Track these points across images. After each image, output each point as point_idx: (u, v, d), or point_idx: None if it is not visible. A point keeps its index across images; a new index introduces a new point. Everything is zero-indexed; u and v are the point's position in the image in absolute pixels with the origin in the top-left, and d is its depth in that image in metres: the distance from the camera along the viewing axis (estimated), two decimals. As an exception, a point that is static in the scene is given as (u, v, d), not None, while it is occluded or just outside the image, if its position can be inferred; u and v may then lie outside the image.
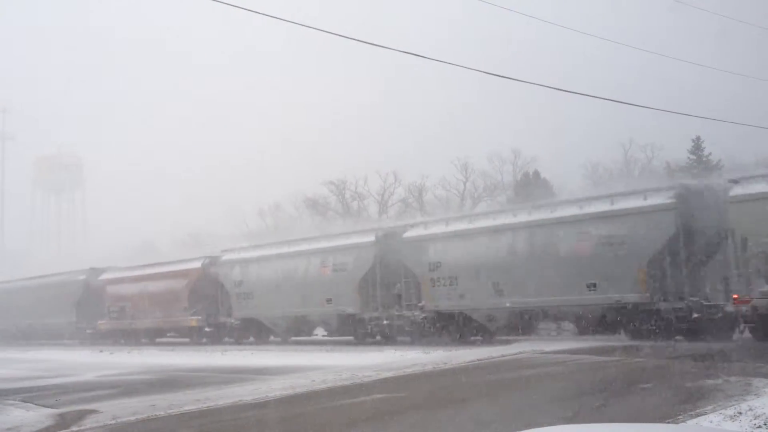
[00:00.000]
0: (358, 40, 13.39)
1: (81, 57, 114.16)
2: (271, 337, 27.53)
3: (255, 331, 27.59)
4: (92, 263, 36.29)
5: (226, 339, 28.16)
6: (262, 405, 10.93)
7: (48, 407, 12.21)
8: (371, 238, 23.12)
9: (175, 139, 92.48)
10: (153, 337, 31.70)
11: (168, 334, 31.56)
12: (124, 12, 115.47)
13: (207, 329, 28.32)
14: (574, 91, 17.10)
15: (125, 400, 12.52)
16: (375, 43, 13.89)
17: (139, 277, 31.01)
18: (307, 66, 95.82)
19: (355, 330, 23.62)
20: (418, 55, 14.82)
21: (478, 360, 15.66)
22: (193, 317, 28.48)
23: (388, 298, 22.77)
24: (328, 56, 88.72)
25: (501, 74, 16.24)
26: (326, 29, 13.68)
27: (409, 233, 22.45)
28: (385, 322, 22.47)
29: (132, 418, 10.27)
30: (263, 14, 12.31)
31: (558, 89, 18.06)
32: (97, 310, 32.78)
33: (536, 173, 46.49)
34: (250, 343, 26.94)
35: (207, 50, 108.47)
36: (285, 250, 26.01)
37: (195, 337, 29.06)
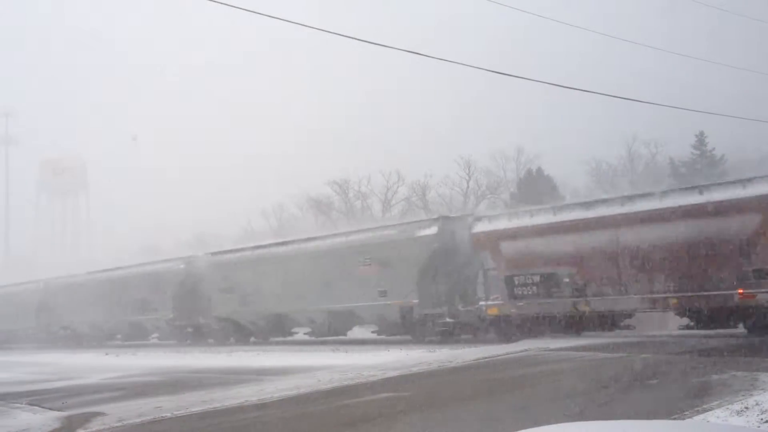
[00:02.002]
0: (362, 40, 13.40)
1: (84, 60, 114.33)
2: None
3: None
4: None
5: None
6: (268, 405, 10.93)
7: (54, 410, 12.22)
8: None
9: (178, 140, 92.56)
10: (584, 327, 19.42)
11: (622, 323, 18.86)
12: (126, 14, 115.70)
13: None
14: (578, 87, 17.05)
15: (131, 402, 12.53)
16: (378, 42, 13.90)
17: (598, 222, 18.26)
18: (309, 66, 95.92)
19: None
20: (421, 54, 14.83)
21: (483, 358, 15.66)
22: None
23: None
24: (331, 56, 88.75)
25: (504, 72, 16.21)
26: (330, 30, 13.69)
27: None
28: None
29: (138, 420, 10.27)
30: (268, 16, 12.31)
31: (561, 86, 18.02)
32: (451, 285, 21.51)
33: (540, 170, 46.46)
34: None
35: (211, 51, 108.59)
36: None
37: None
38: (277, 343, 26.42)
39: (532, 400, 10.04)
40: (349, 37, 13.48)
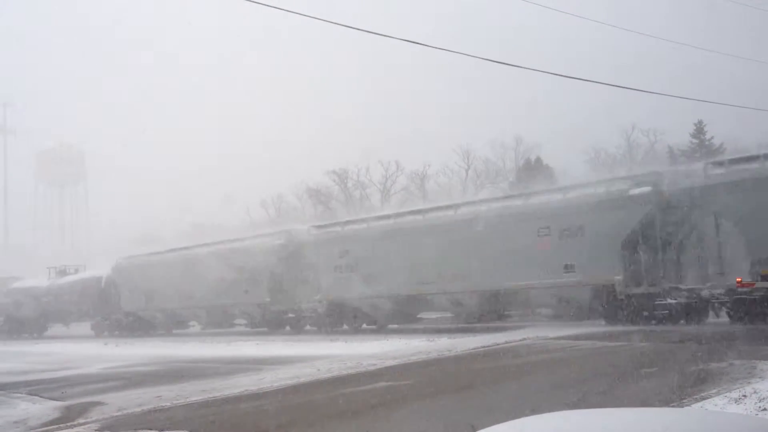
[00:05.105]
0: (361, 29, 13.35)
1: (82, 51, 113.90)
2: None
3: None
4: (91, 256, 35.99)
5: None
6: (268, 395, 10.95)
7: (54, 400, 12.25)
8: None
9: (177, 131, 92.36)
10: None
11: None
12: (125, 7, 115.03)
13: None
14: (576, 77, 17.02)
15: (131, 391, 12.56)
16: (377, 32, 13.85)
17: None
18: (308, 56, 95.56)
19: None
20: (419, 44, 14.78)
21: (482, 347, 15.69)
22: None
23: None
24: (329, 46, 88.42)
25: (503, 61, 16.17)
26: (328, 19, 13.63)
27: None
28: None
29: (138, 410, 10.29)
30: (267, 5, 12.24)
31: (560, 75, 18.03)
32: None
33: (538, 159, 46.41)
34: None
35: (210, 42, 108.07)
36: None
37: None
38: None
39: (530, 388, 10.07)
40: (350, 27, 13.45)
